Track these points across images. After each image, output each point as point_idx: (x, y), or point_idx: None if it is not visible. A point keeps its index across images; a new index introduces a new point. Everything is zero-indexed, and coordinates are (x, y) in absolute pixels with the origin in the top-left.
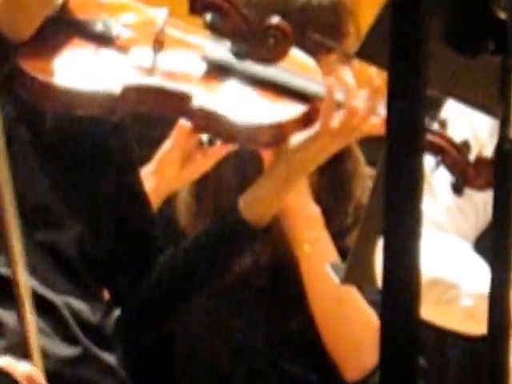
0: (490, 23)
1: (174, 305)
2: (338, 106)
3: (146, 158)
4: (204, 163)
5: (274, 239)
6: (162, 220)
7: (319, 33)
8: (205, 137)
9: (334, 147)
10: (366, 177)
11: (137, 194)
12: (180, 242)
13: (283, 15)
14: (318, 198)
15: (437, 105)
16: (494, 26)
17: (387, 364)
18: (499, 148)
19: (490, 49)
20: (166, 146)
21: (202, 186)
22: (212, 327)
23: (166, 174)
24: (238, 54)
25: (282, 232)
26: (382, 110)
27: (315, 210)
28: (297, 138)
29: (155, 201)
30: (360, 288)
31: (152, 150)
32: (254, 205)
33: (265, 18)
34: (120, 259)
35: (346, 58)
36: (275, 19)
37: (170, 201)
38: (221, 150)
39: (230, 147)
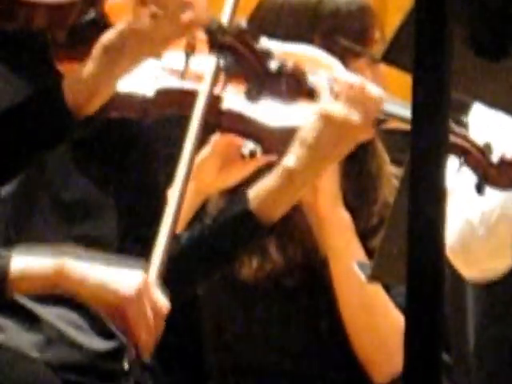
0: None
1: (188, 280)
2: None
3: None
4: (244, 170)
5: (306, 240)
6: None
7: (347, 38)
8: (246, 150)
9: (344, 149)
10: (390, 176)
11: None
12: None
13: (313, 21)
14: (344, 199)
15: (463, 109)
16: None
17: (411, 356)
18: None
19: None
20: (205, 152)
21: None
22: (242, 324)
23: (203, 179)
24: (251, 98)
25: (314, 234)
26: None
27: (346, 216)
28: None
29: (192, 205)
30: (388, 291)
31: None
32: (262, 198)
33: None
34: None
35: (373, 63)
36: (290, 64)
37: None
38: (262, 159)
39: (272, 157)
